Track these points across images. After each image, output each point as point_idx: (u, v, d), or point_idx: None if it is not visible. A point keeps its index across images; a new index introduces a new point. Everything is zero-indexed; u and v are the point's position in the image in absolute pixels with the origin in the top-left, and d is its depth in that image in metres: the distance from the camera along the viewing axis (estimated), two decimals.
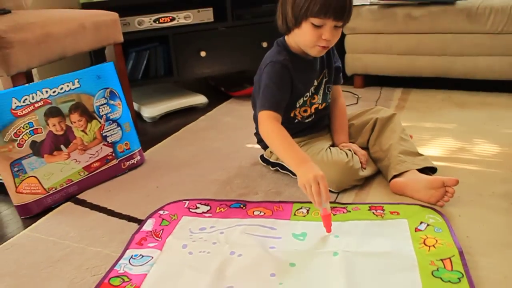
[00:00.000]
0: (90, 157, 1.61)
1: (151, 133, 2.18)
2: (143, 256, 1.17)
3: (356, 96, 2.41)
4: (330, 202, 1.36)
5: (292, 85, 1.44)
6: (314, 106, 1.53)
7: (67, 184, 1.54)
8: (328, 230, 1.21)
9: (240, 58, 2.52)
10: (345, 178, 1.41)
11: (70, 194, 1.55)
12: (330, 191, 1.42)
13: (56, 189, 1.51)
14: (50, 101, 1.50)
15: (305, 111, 1.52)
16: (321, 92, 1.53)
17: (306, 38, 1.37)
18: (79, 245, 1.27)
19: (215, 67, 2.50)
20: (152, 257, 1.16)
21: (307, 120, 1.54)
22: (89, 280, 1.11)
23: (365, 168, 1.48)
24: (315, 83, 1.51)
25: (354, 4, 2.39)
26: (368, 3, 2.47)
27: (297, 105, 1.50)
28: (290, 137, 1.32)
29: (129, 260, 1.16)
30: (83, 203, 1.51)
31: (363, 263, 1.09)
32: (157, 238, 1.24)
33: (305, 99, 1.50)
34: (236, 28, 2.49)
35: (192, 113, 2.39)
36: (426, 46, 2.35)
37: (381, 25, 2.41)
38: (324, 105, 1.56)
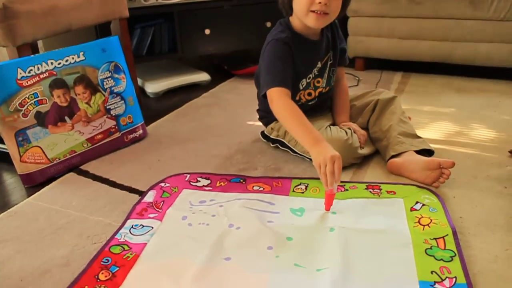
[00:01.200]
0: (93, 129, 1.60)
1: (154, 108, 2.17)
2: (143, 226, 1.17)
3: (357, 78, 2.39)
4: None
5: (294, 63, 1.42)
6: (319, 89, 1.52)
7: (70, 155, 1.54)
8: (327, 208, 1.21)
9: (244, 37, 2.50)
10: (344, 156, 1.38)
11: (73, 165, 1.55)
12: None
13: (59, 159, 1.51)
14: (55, 73, 1.49)
15: (309, 94, 1.51)
16: (325, 75, 1.52)
17: (300, 3, 1.33)
18: (81, 214, 1.27)
19: (219, 45, 2.47)
20: (152, 227, 1.16)
21: (310, 103, 1.53)
22: (90, 248, 1.11)
23: (363, 147, 1.47)
24: (319, 65, 1.49)
25: None
26: None
27: (301, 87, 1.48)
28: (303, 115, 1.30)
29: (130, 229, 1.16)
30: (85, 173, 1.51)
31: (359, 239, 1.09)
32: (157, 209, 1.24)
33: (308, 81, 1.49)
34: (241, 7, 2.46)
35: (195, 90, 2.37)
36: (428, 31, 2.33)
37: (384, 8, 2.39)
38: (327, 88, 1.54)
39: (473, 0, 2.19)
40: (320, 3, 1.31)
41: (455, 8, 2.24)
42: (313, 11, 1.33)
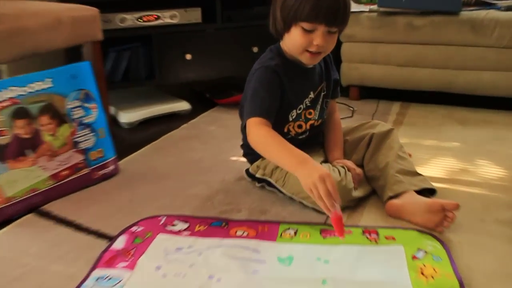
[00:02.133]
0: (58, 165, 1.56)
1: (128, 140, 2.15)
2: (111, 278, 1.13)
3: (351, 109, 2.39)
4: (320, 224, 1.35)
5: (282, 94, 1.42)
6: (310, 122, 1.51)
7: (31, 193, 1.49)
8: (341, 234, 1.17)
9: (228, 63, 2.50)
10: None
11: (34, 205, 1.50)
12: (320, 211, 1.39)
13: (18, 198, 1.46)
14: (18, 101, 1.46)
15: (300, 126, 1.50)
16: (318, 107, 1.52)
17: (295, 43, 1.36)
18: (40, 263, 1.22)
19: (201, 71, 2.47)
20: (122, 279, 1.12)
21: (300, 137, 1.52)
22: None
23: (357, 188, 1.45)
24: (311, 95, 1.49)
25: (352, 10, 2.41)
26: (367, 10, 2.47)
27: (290, 118, 1.47)
28: (283, 139, 1.30)
29: (96, 281, 1.12)
30: (47, 215, 1.47)
31: None
32: (128, 258, 1.20)
33: (299, 112, 1.48)
34: (226, 31, 2.47)
35: (173, 120, 2.35)
36: (428, 58, 2.35)
37: (380, 33, 2.41)
38: (320, 121, 1.54)
39: (474, 26, 2.22)
40: (317, 45, 1.33)
41: (455, 34, 2.27)
42: (308, 51, 1.36)
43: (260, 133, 1.34)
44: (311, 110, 1.50)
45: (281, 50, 1.45)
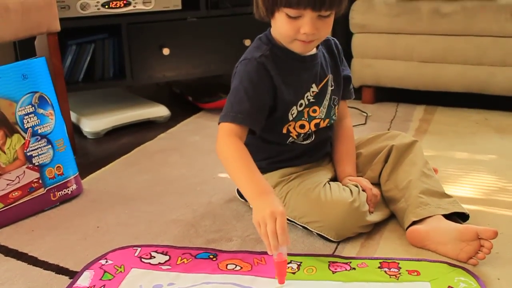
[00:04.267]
0: (8, 184, 1.58)
1: (94, 154, 2.16)
2: None
3: (365, 115, 2.42)
4: (328, 255, 1.36)
5: (275, 89, 1.44)
6: (315, 121, 1.52)
7: None
8: (281, 281, 1.22)
9: (214, 59, 2.52)
10: (348, 224, 1.40)
11: None
12: (328, 239, 1.42)
13: None
14: None
15: (302, 126, 1.51)
16: (325, 103, 1.53)
17: (281, 32, 1.39)
18: None
19: (181, 69, 2.49)
20: None
21: (305, 142, 1.53)
22: None
23: (372, 212, 1.47)
24: (315, 88, 1.50)
25: None
26: None
27: (290, 117, 1.49)
28: (251, 161, 1.34)
29: None
30: None
31: None
32: None
33: (300, 109, 1.49)
34: (211, 20, 2.49)
35: (149, 129, 2.38)
36: (458, 52, 2.39)
37: (400, 22, 2.44)
38: (327, 122, 1.55)
39: None
40: (305, 33, 1.35)
41: (492, 22, 2.30)
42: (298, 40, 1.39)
43: (228, 148, 1.37)
44: (316, 107, 1.51)
45: (271, 37, 1.47)
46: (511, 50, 2.30)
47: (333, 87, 1.54)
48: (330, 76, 1.54)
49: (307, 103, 1.50)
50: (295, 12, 1.32)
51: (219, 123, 1.42)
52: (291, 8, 1.31)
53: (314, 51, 1.49)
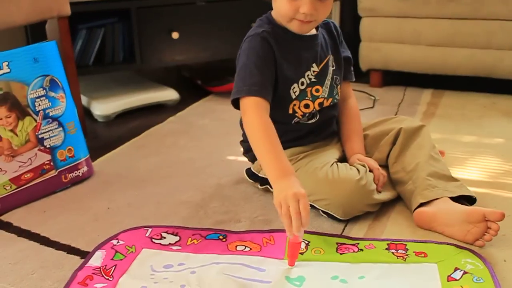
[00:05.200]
0: (20, 166, 1.58)
1: (104, 137, 2.17)
2: None
3: (373, 98, 2.41)
4: (336, 235, 1.37)
5: (276, 63, 1.45)
6: (318, 100, 1.53)
7: None
8: (291, 263, 1.24)
9: (223, 43, 2.51)
10: (355, 201, 1.41)
11: None
12: (336, 218, 1.42)
13: None
14: None
15: (307, 106, 1.51)
16: (327, 82, 1.53)
17: (281, 10, 1.42)
18: None
19: (190, 53, 2.49)
20: None
21: (310, 121, 1.54)
22: None
23: (380, 191, 1.47)
24: (315, 68, 1.51)
25: None
26: None
27: (293, 95, 1.49)
28: (278, 141, 1.34)
29: None
30: (8, 227, 1.48)
31: None
32: (107, 277, 1.22)
33: (302, 87, 1.50)
34: (219, 3, 2.48)
35: (158, 112, 2.38)
36: (466, 35, 2.37)
37: (408, 6, 2.43)
38: (330, 101, 1.56)
39: None
40: (304, 13, 1.37)
41: (500, 5, 2.29)
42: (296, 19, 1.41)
43: (257, 121, 1.37)
44: (318, 87, 1.52)
45: (271, 18, 1.50)
46: None
47: (334, 67, 1.56)
48: (330, 57, 1.55)
49: (308, 82, 1.51)
50: None
51: (232, 100, 1.43)
52: None
53: (314, 32, 1.52)
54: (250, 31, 1.50)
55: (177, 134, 2.13)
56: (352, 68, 1.66)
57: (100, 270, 1.24)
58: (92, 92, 2.45)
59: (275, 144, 1.33)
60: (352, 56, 1.66)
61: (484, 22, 2.34)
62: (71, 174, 1.70)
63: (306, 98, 1.51)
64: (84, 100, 2.37)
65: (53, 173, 1.65)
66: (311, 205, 1.45)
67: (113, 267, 1.26)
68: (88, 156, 1.75)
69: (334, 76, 1.56)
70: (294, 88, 1.49)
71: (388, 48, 2.52)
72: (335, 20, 2.73)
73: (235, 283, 1.19)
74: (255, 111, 1.38)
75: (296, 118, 1.52)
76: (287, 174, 1.27)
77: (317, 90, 1.52)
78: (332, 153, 1.55)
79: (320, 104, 1.53)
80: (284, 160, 1.31)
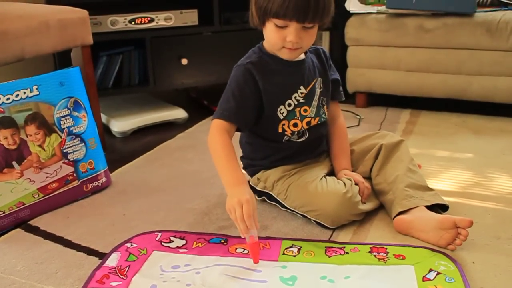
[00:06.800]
0: (46, 177, 1.58)
1: (121, 151, 2.16)
2: None
3: (358, 117, 2.41)
4: (324, 241, 1.37)
5: (260, 91, 1.45)
6: (306, 120, 1.52)
7: (17, 207, 1.51)
8: (256, 261, 1.25)
9: (226, 68, 2.46)
10: (342, 212, 1.40)
11: (21, 220, 1.52)
12: (325, 226, 1.41)
13: (4, 212, 1.48)
14: (2, 110, 1.47)
15: (295, 125, 1.50)
16: (314, 103, 1.52)
17: (271, 40, 1.42)
18: (27, 281, 1.23)
19: (198, 77, 2.49)
20: None
21: (300, 140, 1.53)
22: None
23: (364, 203, 1.47)
24: (303, 89, 1.50)
25: (358, 11, 2.44)
26: (375, 11, 2.49)
27: (281, 116, 1.48)
28: (233, 155, 1.37)
29: None
30: (35, 230, 1.48)
31: None
32: (121, 276, 1.21)
33: (289, 108, 1.49)
34: (224, 34, 2.49)
35: (169, 129, 2.37)
36: (440, 62, 2.37)
37: (389, 37, 2.43)
38: (317, 120, 1.54)
39: (490, 28, 2.24)
40: (290, 42, 1.37)
41: (469, 37, 2.28)
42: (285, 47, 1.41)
43: (216, 140, 1.39)
44: (306, 107, 1.51)
45: (262, 47, 1.50)
46: (486, 61, 2.29)
47: (321, 89, 1.55)
48: (318, 79, 1.54)
49: (296, 103, 1.50)
50: (282, 23, 1.35)
51: (212, 119, 1.44)
52: (278, 18, 1.34)
53: (302, 57, 1.51)
54: (239, 60, 1.50)
55: (185, 148, 2.12)
56: (341, 89, 1.65)
57: (116, 270, 1.24)
58: (111, 111, 2.44)
59: (231, 159, 1.36)
60: (340, 79, 1.65)
61: (455, 51, 2.34)
62: (91, 184, 1.69)
63: (295, 117, 1.50)
64: (103, 118, 2.37)
65: (75, 183, 1.65)
66: (303, 215, 1.45)
67: (127, 267, 1.25)
68: (106, 168, 1.75)
69: (321, 97, 1.54)
70: (281, 109, 1.48)
71: (371, 73, 2.52)
72: (325, 48, 2.73)
73: (235, 282, 1.19)
74: (218, 132, 1.40)
75: (286, 136, 1.51)
76: (237, 183, 1.30)
77: (305, 110, 1.51)
78: (321, 169, 1.55)
79: (308, 123, 1.52)
80: (237, 172, 1.34)
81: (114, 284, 1.19)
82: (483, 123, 2.30)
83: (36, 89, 1.55)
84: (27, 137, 1.53)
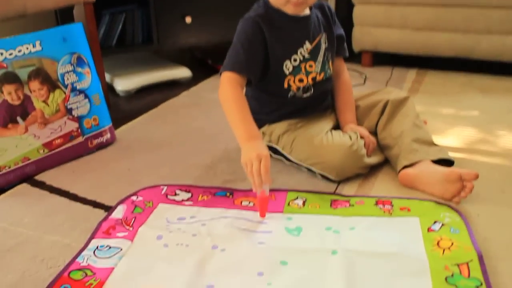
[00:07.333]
0: (51, 133, 1.58)
1: (125, 109, 2.16)
2: (110, 247, 1.15)
3: (364, 76, 2.40)
4: (329, 193, 1.37)
5: (267, 44, 1.44)
6: (311, 75, 1.51)
7: (23, 162, 1.52)
8: (262, 215, 1.26)
9: (231, 26, 2.44)
10: (347, 165, 1.40)
11: (27, 175, 1.53)
12: (330, 179, 1.42)
13: (9, 168, 1.49)
14: (5, 65, 1.47)
15: (301, 80, 1.50)
16: (319, 59, 1.52)
17: None
18: (34, 232, 1.25)
19: (202, 36, 2.47)
20: (121, 249, 1.15)
21: (305, 95, 1.52)
22: (44, 273, 1.09)
23: (370, 156, 1.47)
24: (308, 45, 1.49)
25: None
26: None
27: (286, 71, 1.48)
28: (247, 108, 1.35)
29: (94, 251, 1.14)
30: (41, 185, 1.49)
31: (366, 265, 1.07)
32: (128, 227, 1.23)
33: (295, 64, 1.48)
34: None
35: (173, 88, 2.37)
36: (447, 21, 2.35)
37: None
38: (322, 75, 1.53)
39: None
40: None
41: None
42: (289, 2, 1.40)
43: (227, 93, 1.38)
44: (311, 63, 1.51)
45: (266, 1, 1.48)
46: (495, 19, 2.26)
47: (326, 45, 1.54)
48: (323, 35, 1.53)
49: (301, 58, 1.49)
50: None
51: (220, 73, 1.43)
52: None
53: (307, 12, 1.49)
54: (246, 14, 1.49)
55: (190, 106, 2.12)
56: (345, 45, 1.64)
57: (122, 222, 1.25)
58: (115, 70, 2.44)
59: (244, 112, 1.34)
60: (345, 38, 1.64)
61: (463, 9, 2.31)
62: (96, 140, 1.69)
63: (300, 73, 1.49)
64: (107, 77, 2.36)
65: (80, 139, 1.65)
66: (308, 169, 1.46)
67: (133, 219, 1.26)
68: (111, 124, 1.75)
69: (326, 53, 1.53)
70: (286, 64, 1.48)
71: (378, 31, 2.50)
72: (331, 6, 2.70)
73: (240, 233, 1.20)
74: (229, 84, 1.39)
75: (291, 92, 1.51)
76: (253, 137, 1.29)
77: (310, 66, 1.50)
78: (327, 123, 1.54)
79: (313, 78, 1.51)
80: (252, 126, 1.32)
81: (120, 234, 1.20)
82: (490, 82, 2.29)
83: (39, 44, 1.53)
84: (30, 92, 1.53)
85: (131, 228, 1.22)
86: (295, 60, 1.48)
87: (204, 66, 2.67)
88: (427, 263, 1.07)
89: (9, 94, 1.48)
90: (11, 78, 1.48)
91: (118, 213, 1.29)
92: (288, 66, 1.48)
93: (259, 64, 1.44)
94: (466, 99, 2.09)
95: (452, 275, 1.03)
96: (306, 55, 1.49)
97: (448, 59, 2.44)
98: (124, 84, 2.33)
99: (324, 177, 1.43)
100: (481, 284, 1.01)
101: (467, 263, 1.07)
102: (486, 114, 1.93)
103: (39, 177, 1.53)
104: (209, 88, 2.35)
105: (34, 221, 1.30)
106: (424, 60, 2.52)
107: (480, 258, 1.08)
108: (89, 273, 1.07)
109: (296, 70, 1.49)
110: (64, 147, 1.61)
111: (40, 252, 1.16)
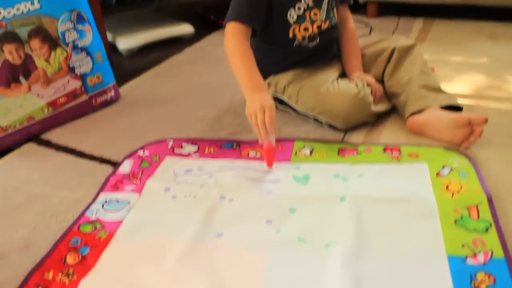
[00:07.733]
0: (55, 91, 1.58)
1: (128, 67, 2.15)
2: (118, 201, 1.16)
3: (369, 26, 2.37)
4: (337, 142, 1.37)
5: None
6: (316, 23, 1.49)
7: (28, 122, 1.52)
8: (269, 165, 1.26)
9: None
10: (354, 112, 1.39)
11: (32, 134, 1.53)
12: (336, 128, 1.41)
13: (15, 127, 1.49)
14: (4, 24, 1.45)
15: (306, 29, 1.48)
16: (324, 6, 1.49)
17: None
18: (42, 189, 1.26)
19: None
20: (129, 202, 1.16)
21: (311, 45, 1.51)
22: (54, 228, 1.10)
23: (377, 104, 1.46)
24: None
25: None
26: None
27: (291, 20, 1.46)
28: (253, 59, 1.34)
29: (103, 205, 1.15)
30: (47, 144, 1.50)
31: (375, 209, 1.08)
32: (135, 181, 1.24)
33: (299, 12, 1.46)
34: None
35: (176, 44, 2.35)
36: None
37: None
38: (328, 23, 1.51)
39: None
40: None
41: None
42: None
43: (232, 44, 1.37)
44: (316, 11, 1.48)
45: None
46: None
47: None
48: None
49: (306, 7, 1.47)
50: None
51: (224, 25, 1.41)
52: None
53: None
54: None
55: (194, 61, 2.11)
56: None
57: (129, 175, 1.26)
58: (117, 29, 2.42)
59: (250, 63, 1.33)
60: None
61: None
62: (100, 98, 1.69)
63: (305, 21, 1.47)
64: (109, 36, 2.34)
65: (84, 97, 1.65)
66: (315, 118, 1.45)
67: (140, 173, 1.27)
68: (114, 82, 1.74)
69: (330, 0, 1.51)
70: (290, 13, 1.45)
71: None
72: None
73: (248, 183, 1.20)
74: (233, 35, 1.37)
75: (296, 41, 1.49)
76: (258, 88, 1.27)
77: (315, 14, 1.48)
78: (333, 72, 1.53)
79: (319, 27, 1.49)
80: (257, 77, 1.31)
81: (128, 188, 1.21)
82: (499, 29, 2.26)
83: (37, 2, 1.51)
84: (32, 51, 1.51)
85: (138, 182, 1.23)
86: (299, 8, 1.46)
87: (207, 22, 2.64)
88: (436, 207, 1.08)
89: (10, 54, 1.47)
90: (11, 37, 1.47)
91: (125, 167, 1.30)
92: (292, 15, 1.46)
93: (262, 13, 1.41)
94: (474, 47, 2.07)
95: (462, 218, 1.04)
96: (310, 3, 1.47)
97: (456, 6, 2.40)
98: (126, 42, 2.31)
99: (331, 126, 1.43)
100: (491, 225, 1.01)
101: (476, 206, 1.07)
102: (495, 60, 1.91)
103: (45, 136, 1.53)
104: (213, 43, 2.33)
105: (42, 178, 1.31)
106: (430, 8, 2.48)
107: (490, 201, 1.08)
108: (98, 226, 1.08)
109: (300, 19, 1.47)
110: (68, 105, 1.61)
111: (50, 208, 1.18)
